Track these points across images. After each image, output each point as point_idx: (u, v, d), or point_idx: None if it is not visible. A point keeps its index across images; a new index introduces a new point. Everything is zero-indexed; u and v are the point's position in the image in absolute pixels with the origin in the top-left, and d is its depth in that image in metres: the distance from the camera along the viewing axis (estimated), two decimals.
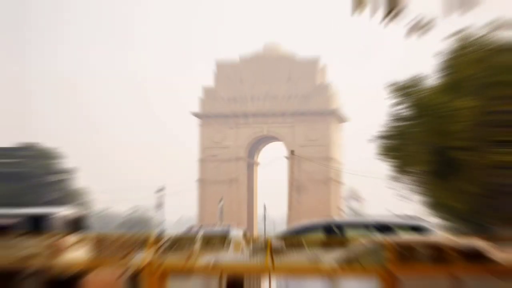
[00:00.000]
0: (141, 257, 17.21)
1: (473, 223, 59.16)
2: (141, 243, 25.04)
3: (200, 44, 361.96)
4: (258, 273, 14.44)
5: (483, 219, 53.34)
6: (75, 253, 24.62)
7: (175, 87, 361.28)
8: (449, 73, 39.06)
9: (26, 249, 21.17)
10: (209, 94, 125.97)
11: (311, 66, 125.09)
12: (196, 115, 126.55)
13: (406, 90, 40.80)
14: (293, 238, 17.62)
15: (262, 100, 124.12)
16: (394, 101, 42.50)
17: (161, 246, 13.99)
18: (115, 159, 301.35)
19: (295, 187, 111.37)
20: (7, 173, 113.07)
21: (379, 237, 16.23)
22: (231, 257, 22.22)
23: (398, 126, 43.67)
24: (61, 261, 21.20)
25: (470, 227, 65.19)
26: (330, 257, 14.47)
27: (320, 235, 17.75)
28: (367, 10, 8.74)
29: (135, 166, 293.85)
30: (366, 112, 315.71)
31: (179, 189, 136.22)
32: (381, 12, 8.67)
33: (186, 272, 17.16)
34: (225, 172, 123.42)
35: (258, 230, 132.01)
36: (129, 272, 17.53)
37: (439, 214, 72.07)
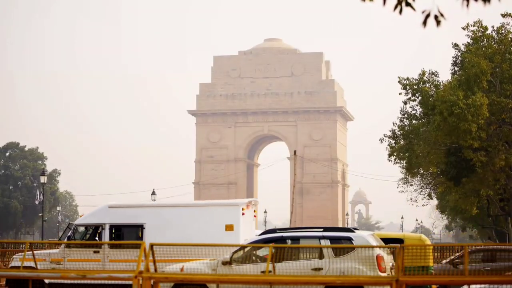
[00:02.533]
0: (134, 266, 17.50)
1: (487, 227, 59.28)
2: (133, 251, 25.16)
3: (196, 38, 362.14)
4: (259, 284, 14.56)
5: (497, 223, 53.47)
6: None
7: (169, 83, 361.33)
8: (462, 68, 39.18)
9: None
10: (205, 90, 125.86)
11: (315, 61, 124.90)
12: (192, 113, 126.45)
13: (416, 86, 40.90)
14: None
15: (262, 97, 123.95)
16: (404, 98, 42.62)
17: (154, 254, 14.16)
18: (105, 161, 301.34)
19: (298, 190, 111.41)
20: None
21: None
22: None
23: (408, 125, 43.77)
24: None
25: (484, 231, 65.30)
26: None
27: None
28: None
29: (126, 168, 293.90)
30: (373, 110, 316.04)
31: (174, 193, 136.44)
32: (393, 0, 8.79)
33: (180, 281, 17.27)
34: (223, 175, 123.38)
35: None
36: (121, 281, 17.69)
37: (452, 217, 72.12)
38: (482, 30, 38.87)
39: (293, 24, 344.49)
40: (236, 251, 18.36)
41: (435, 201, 64.88)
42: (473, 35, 39.04)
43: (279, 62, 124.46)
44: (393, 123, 44.62)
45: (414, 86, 40.86)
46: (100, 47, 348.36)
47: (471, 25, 39.03)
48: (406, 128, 43.37)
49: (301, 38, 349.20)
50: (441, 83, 40.76)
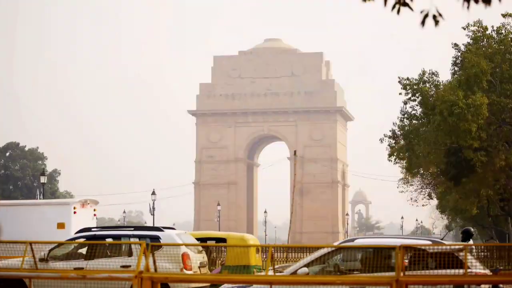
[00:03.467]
0: (133, 265, 17.86)
1: (487, 227, 59.26)
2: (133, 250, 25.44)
3: (196, 38, 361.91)
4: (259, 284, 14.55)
5: (497, 223, 53.46)
6: None
7: (169, 83, 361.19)
8: (462, 68, 39.17)
9: None
10: (205, 90, 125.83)
11: (315, 61, 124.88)
12: (192, 113, 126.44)
13: (416, 86, 40.89)
14: None
15: (262, 97, 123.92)
16: (404, 98, 42.59)
17: (154, 253, 14.21)
18: (105, 161, 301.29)
19: (298, 190, 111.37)
20: None
21: None
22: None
23: (408, 125, 43.76)
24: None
25: (484, 231, 65.27)
26: None
27: None
28: None
29: (126, 168, 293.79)
30: (373, 110, 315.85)
31: (174, 193, 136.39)
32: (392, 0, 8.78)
33: (179, 281, 17.27)
34: (223, 175, 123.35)
35: (258, 236, 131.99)
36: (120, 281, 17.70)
37: (452, 217, 72.08)
38: (482, 30, 38.85)
39: (293, 24, 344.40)
40: (52, 248, 19.27)
41: (435, 201, 64.89)
42: (473, 35, 39.02)
43: (279, 62, 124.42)
44: (393, 123, 44.59)
45: (414, 86, 40.81)
46: (100, 47, 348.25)
47: (471, 25, 39.02)
48: (406, 128, 43.33)
49: (301, 38, 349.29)
50: (441, 83, 40.72)
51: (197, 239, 22.25)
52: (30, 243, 15.39)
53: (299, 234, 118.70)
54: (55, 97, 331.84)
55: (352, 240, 16.35)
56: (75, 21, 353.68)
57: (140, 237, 19.82)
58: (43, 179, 65.65)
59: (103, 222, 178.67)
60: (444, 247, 14.49)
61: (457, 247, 15.04)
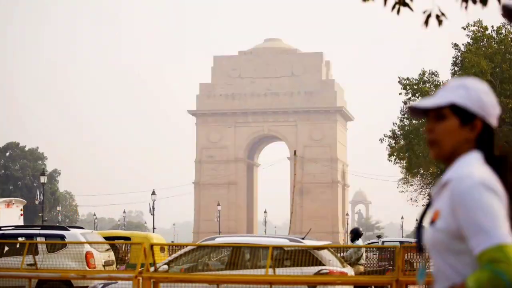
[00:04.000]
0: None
1: None
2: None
3: (196, 38, 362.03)
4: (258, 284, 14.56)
5: None
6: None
7: (169, 84, 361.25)
8: (462, 68, 39.18)
9: None
10: (205, 90, 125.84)
11: (315, 61, 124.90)
12: (192, 113, 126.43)
13: (416, 86, 40.90)
14: None
15: (262, 97, 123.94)
16: (404, 98, 42.61)
17: (154, 254, 14.25)
18: (105, 161, 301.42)
19: (298, 190, 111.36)
20: None
21: None
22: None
23: (408, 125, 43.77)
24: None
25: None
26: None
27: None
28: None
29: (127, 168, 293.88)
30: (373, 110, 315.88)
31: (174, 193, 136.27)
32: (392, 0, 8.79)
33: (180, 281, 17.28)
34: (223, 175, 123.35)
35: None
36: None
37: None
38: (482, 30, 38.88)
39: (293, 24, 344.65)
40: None
41: None
42: (473, 35, 39.05)
43: (279, 62, 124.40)
44: (393, 123, 44.61)
45: (414, 86, 40.83)
46: (100, 48, 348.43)
47: (471, 25, 39.04)
48: (406, 128, 43.34)
49: (301, 38, 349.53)
50: (441, 83, 40.74)
51: (105, 238, 23.10)
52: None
53: (299, 234, 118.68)
54: (55, 97, 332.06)
55: (213, 238, 16.75)
56: (75, 21, 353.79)
57: (46, 236, 20.45)
58: (43, 179, 65.72)
59: (103, 222, 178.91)
60: (303, 246, 14.90)
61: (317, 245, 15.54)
